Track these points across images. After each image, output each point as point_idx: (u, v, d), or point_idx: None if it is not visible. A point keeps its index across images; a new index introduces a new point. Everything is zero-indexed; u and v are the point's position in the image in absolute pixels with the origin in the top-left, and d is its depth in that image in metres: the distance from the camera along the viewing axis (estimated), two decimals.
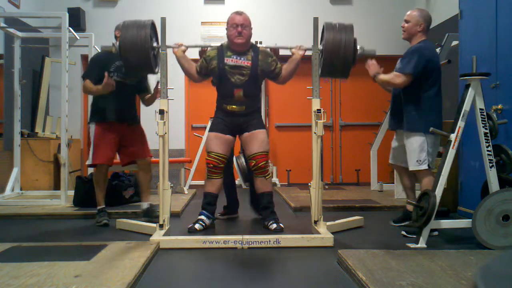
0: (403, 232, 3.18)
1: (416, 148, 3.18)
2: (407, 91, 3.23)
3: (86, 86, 3.66)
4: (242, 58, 3.39)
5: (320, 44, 3.32)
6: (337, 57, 3.16)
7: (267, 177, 3.45)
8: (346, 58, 3.16)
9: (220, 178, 3.46)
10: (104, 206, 3.76)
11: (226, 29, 3.41)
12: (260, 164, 3.40)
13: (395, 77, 3.22)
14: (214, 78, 3.49)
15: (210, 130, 3.54)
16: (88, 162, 3.72)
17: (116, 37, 3.74)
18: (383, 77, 3.29)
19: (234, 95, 3.38)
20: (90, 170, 5.53)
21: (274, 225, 3.36)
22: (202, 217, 3.42)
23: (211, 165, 3.41)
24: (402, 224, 3.37)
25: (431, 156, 3.18)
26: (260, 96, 3.58)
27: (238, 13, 3.41)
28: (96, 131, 3.67)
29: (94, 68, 3.71)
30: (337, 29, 3.20)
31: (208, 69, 3.45)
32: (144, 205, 3.82)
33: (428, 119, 3.14)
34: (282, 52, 3.92)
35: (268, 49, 3.52)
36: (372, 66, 3.33)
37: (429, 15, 3.31)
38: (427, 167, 3.17)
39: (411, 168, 3.24)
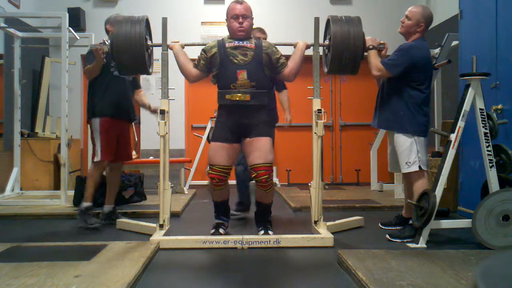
0: (387, 236, 3.11)
1: (405, 150, 3.10)
2: (395, 89, 3.14)
3: (86, 69, 3.47)
4: (245, 42, 3.14)
5: (326, 40, 3.26)
6: (348, 49, 3.05)
7: (267, 191, 3.14)
8: (356, 50, 3.06)
9: (226, 186, 3.18)
10: (91, 204, 3.51)
11: (226, 19, 3.20)
12: (261, 178, 3.04)
13: (376, 68, 3.13)
14: (215, 66, 3.14)
15: (213, 139, 3.18)
16: (96, 159, 3.47)
17: (107, 31, 3.59)
18: (371, 57, 3.16)
19: (237, 78, 3.06)
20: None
21: (262, 232, 3.18)
22: (221, 221, 3.28)
23: (216, 180, 3.10)
24: (392, 228, 3.36)
25: (423, 155, 3.09)
26: (269, 93, 3.30)
27: (238, 2, 3.16)
28: (102, 126, 3.47)
29: (92, 60, 3.45)
30: (344, 21, 3.12)
31: (208, 57, 3.16)
32: (108, 208, 3.67)
33: (417, 120, 3.08)
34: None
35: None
36: (370, 39, 3.20)
37: (431, 15, 3.21)
38: (417, 169, 3.08)
39: (402, 171, 3.19)
